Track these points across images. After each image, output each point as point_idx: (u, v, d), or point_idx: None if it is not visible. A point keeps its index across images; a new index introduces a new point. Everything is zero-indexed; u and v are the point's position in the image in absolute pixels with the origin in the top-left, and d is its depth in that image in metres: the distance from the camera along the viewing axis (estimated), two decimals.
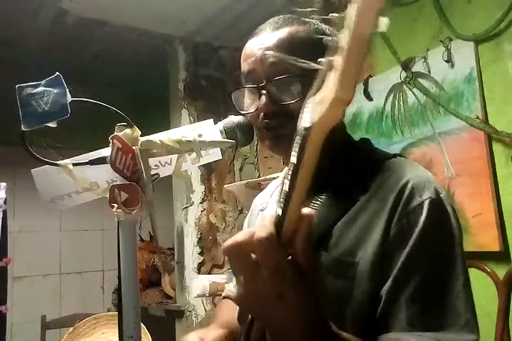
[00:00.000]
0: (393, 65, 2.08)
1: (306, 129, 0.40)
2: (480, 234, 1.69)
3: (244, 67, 0.78)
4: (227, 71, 3.03)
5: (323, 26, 0.79)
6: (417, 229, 0.64)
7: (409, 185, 0.67)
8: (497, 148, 1.71)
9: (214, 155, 0.87)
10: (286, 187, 0.45)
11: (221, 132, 0.77)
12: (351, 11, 0.33)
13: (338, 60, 0.35)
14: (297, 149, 0.42)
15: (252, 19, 2.61)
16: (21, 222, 3.38)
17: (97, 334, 1.88)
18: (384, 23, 0.34)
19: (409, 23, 2.01)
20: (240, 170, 3.03)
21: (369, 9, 0.33)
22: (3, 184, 2.18)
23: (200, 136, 0.75)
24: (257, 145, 2.97)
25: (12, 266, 2.42)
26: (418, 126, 1.98)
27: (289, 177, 0.44)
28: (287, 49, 0.73)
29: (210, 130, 0.77)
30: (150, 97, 3.35)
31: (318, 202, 0.71)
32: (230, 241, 0.49)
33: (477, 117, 1.74)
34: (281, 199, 0.46)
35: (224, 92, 3.00)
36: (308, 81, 0.70)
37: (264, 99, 0.74)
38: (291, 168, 0.44)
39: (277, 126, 0.74)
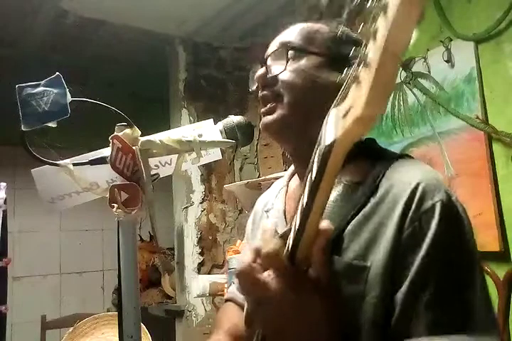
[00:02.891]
0: None
1: (329, 145, 0.39)
2: (480, 234, 1.67)
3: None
4: (227, 71, 3.03)
5: (345, 28, 0.82)
6: (430, 232, 0.63)
7: (420, 188, 0.66)
8: (497, 148, 1.71)
9: (214, 155, 0.87)
10: (304, 201, 0.44)
11: (221, 132, 0.77)
12: (383, 25, 0.31)
13: (365, 74, 0.34)
14: (318, 164, 0.41)
15: (252, 19, 2.61)
16: (21, 221, 3.38)
17: (97, 334, 1.89)
18: (414, 36, 0.32)
19: None
20: (240, 170, 3.03)
21: (405, 25, 0.30)
22: (3, 184, 2.17)
23: (200, 136, 0.75)
24: (257, 145, 2.97)
25: (12, 266, 2.41)
26: (418, 126, 1.98)
27: (308, 192, 0.43)
28: (295, 33, 0.78)
29: (210, 130, 0.77)
30: (150, 97, 3.35)
31: (328, 207, 0.71)
32: (240, 266, 0.50)
33: (477, 117, 1.74)
34: (299, 213, 0.46)
35: (224, 92, 3.00)
36: (301, 58, 0.75)
37: (260, 70, 0.78)
38: (311, 183, 0.43)
39: (270, 98, 0.77)
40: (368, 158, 0.75)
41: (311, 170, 0.42)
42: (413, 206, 0.65)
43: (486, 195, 1.69)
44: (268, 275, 0.48)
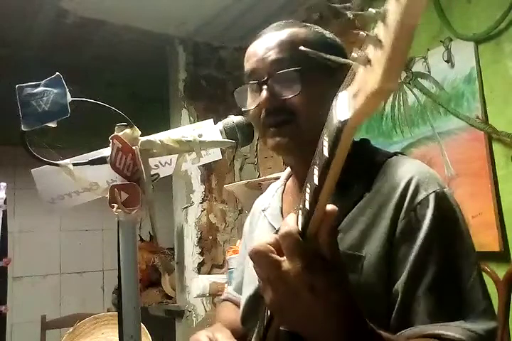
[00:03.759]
0: None
1: (343, 122, 0.39)
2: (480, 234, 1.69)
3: (247, 67, 0.80)
4: (227, 71, 3.03)
5: (324, 31, 0.82)
6: (425, 222, 0.65)
7: (414, 181, 0.69)
8: (497, 148, 1.71)
9: (214, 155, 0.87)
10: (315, 181, 0.44)
11: (221, 132, 0.77)
12: (395, 5, 0.33)
13: (377, 54, 0.35)
14: (330, 142, 0.41)
15: (252, 19, 2.61)
16: (21, 221, 3.38)
17: (97, 334, 1.89)
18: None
19: None
20: (240, 170, 3.03)
21: (417, 3, 0.32)
22: (3, 184, 2.17)
23: (200, 136, 0.75)
24: (257, 145, 2.97)
25: (12, 266, 2.42)
26: (418, 126, 1.98)
27: (320, 171, 0.44)
28: (287, 48, 0.75)
29: (210, 130, 0.77)
30: (150, 97, 3.35)
31: None
32: (256, 244, 0.50)
33: (477, 117, 1.74)
34: (309, 193, 0.46)
35: (224, 92, 3.00)
36: (309, 76, 0.73)
37: (264, 94, 0.75)
38: (323, 162, 0.43)
39: (279, 123, 0.75)
40: (362, 157, 0.76)
41: (321, 151, 0.43)
42: (407, 197, 0.68)
43: (486, 195, 1.69)
44: (282, 256, 0.49)
